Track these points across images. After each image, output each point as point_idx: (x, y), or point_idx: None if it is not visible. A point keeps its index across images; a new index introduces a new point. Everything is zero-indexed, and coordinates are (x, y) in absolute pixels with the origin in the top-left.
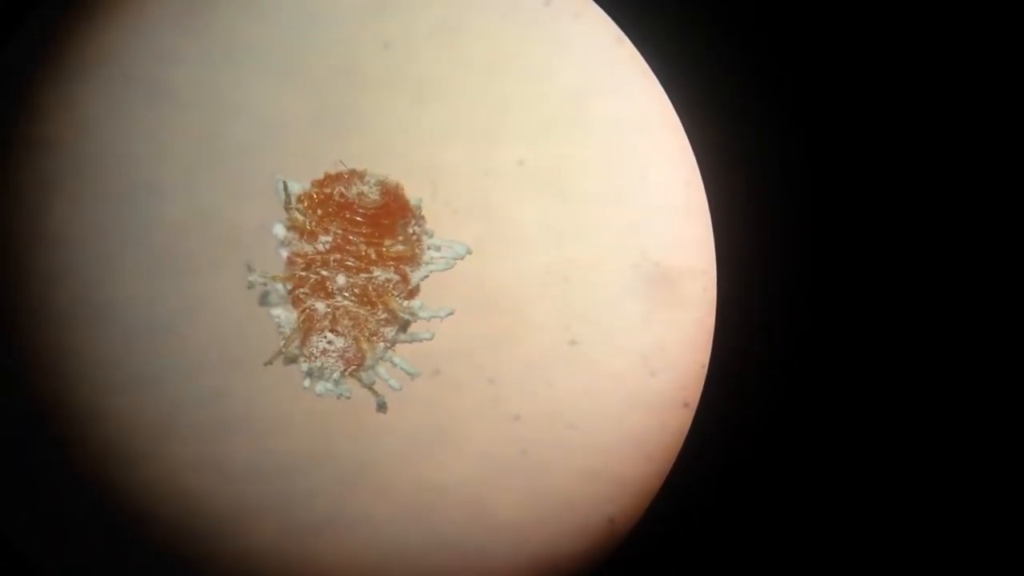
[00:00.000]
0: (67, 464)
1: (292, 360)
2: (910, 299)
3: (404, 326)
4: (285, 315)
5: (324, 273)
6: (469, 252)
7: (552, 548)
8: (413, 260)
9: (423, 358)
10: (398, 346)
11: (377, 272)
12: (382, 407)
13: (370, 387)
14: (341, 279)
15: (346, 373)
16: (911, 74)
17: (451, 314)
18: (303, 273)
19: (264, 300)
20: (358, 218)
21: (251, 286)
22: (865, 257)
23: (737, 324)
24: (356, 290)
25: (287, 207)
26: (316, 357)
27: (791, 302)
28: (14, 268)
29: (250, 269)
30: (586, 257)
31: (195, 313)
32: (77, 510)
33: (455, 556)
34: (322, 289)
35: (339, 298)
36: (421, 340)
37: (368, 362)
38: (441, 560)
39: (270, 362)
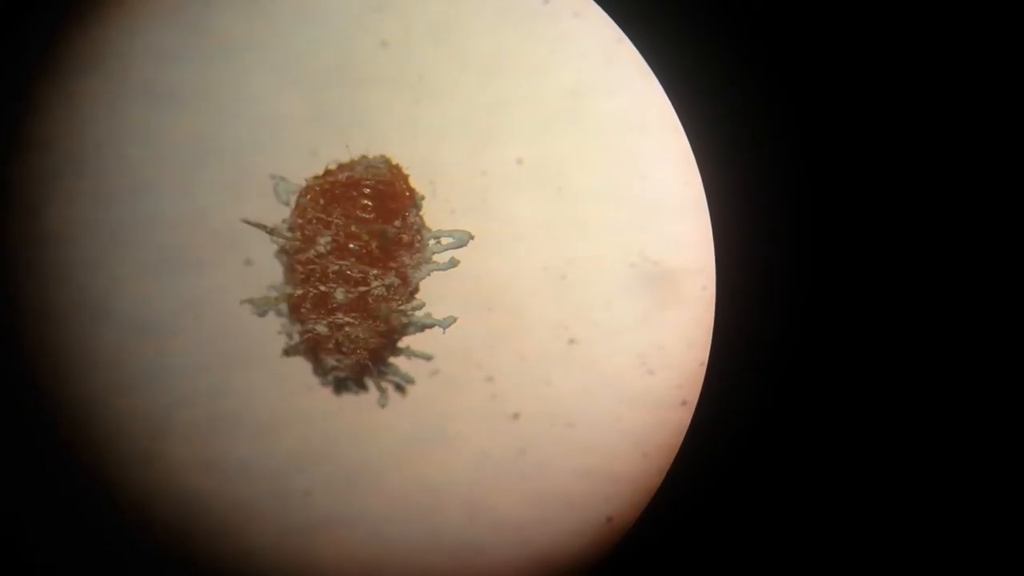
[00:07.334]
0: (65, 464)
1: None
2: (909, 299)
3: (404, 330)
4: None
5: (323, 288)
6: (471, 238)
7: (550, 546)
8: (413, 249)
9: (421, 358)
10: (401, 343)
11: (375, 283)
12: (383, 402)
13: (378, 385)
14: (340, 295)
15: (356, 381)
16: (912, 74)
17: (453, 323)
18: (302, 290)
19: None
20: (365, 200)
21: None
22: (865, 256)
23: (735, 323)
24: (356, 305)
25: (273, 231)
26: (327, 372)
27: (790, 301)
28: (11, 267)
29: (250, 302)
30: (585, 256)
31: (193, 312)
32: (76, 510)
33: (454, 555)
34: (323, 306)
35: (339, 316)
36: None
37: (373, 372)
38: (440, 559)
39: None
